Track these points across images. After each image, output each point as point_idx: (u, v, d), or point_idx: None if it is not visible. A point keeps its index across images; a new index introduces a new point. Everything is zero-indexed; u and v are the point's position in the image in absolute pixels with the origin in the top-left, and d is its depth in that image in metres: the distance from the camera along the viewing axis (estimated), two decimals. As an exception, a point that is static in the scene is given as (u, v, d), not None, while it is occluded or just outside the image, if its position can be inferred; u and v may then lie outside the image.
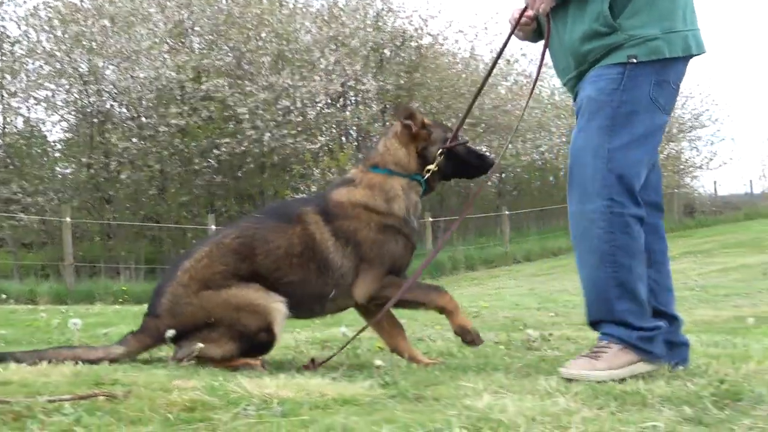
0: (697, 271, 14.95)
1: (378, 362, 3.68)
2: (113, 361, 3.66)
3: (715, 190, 34.88)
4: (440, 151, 3.98)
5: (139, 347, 3.81)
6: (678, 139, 34.01)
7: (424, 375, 3.40)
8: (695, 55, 3.46)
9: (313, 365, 3.70)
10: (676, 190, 31.31)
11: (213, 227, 18.78)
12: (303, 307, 3.89)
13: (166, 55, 21.46)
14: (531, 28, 3.88)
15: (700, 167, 35.41)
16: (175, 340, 3.70)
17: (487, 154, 4.05)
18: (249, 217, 4.08)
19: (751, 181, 40.35)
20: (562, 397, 2.71)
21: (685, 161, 34.86)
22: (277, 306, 3.71)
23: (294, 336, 5.25)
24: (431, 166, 3.97)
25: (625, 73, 3.34)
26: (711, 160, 35.19)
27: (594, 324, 3.51)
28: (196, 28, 24.00)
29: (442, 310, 3.90)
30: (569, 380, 3.20)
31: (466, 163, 4.09)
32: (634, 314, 3.34)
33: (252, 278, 3.74)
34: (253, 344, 3.69)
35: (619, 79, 3.35)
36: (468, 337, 3.85)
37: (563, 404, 2.59)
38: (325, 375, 3.33)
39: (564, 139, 30.36)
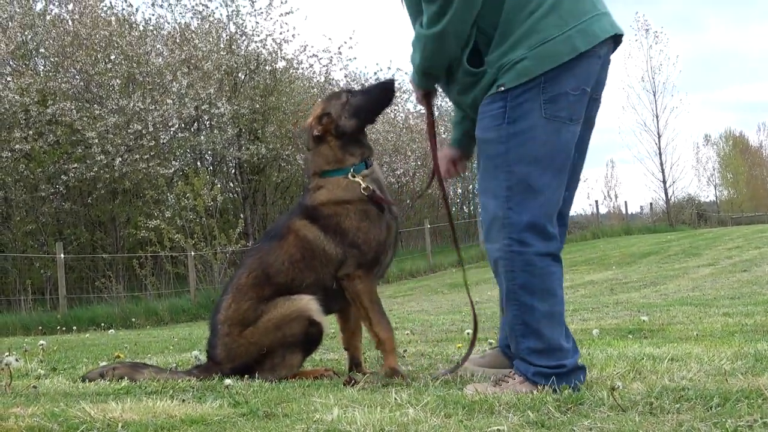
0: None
1: (228, 382, 3.61)
2: None
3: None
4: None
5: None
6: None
7: (275, 393, 3.36)
8: (587, 50, 3.23)
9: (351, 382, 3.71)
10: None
11: (62, 256, 18.07)
12: (329, 304, 4.07)
13: (8, 78, 20.61)
14: None
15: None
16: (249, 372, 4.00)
17: (380, 80, 4.03)
18: (250, 251, 4.17)
19: (597, 201, 42.04)
20: (412, 408, 2.72)
21: (534, 183, 36.02)
22: (305, 300, 3.94)
23: (143, 359, 5.08)
24: (359, 180, 4.01)
25: (506, 105, 3.21)
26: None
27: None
28: (41, 50, 23.19)
29: (379, 344, 3.98)
30: (420, 393, 3.22)
31: (372, 105, 4.07)
32: (536, 352, 3.26)
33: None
34: (307, 341, 3.99)
35: (501, 113, 3.23)
36: (395, 379, 3.79)
37: (412, 415, 2.60)
38: (175, 397, 3.24)
39: (419, 162, 30.94)
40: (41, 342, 5.85)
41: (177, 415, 2.75)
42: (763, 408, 2.54)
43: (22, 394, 3.43)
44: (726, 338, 5.15)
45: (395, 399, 3.00)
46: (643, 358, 4.12)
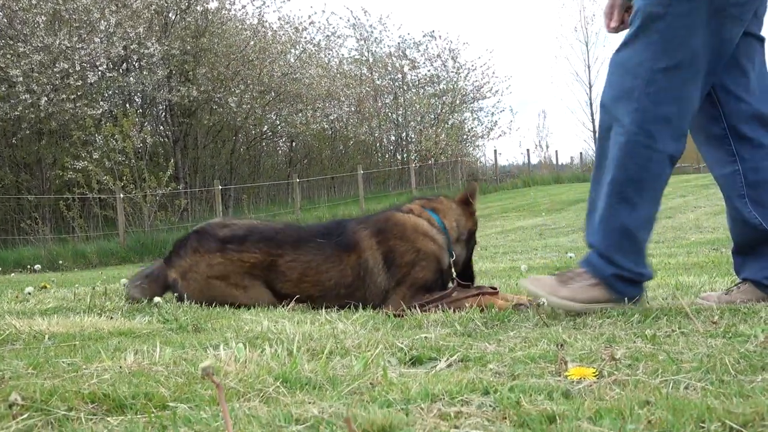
0: (478, 233, 15.61)
1: (157, 299, 3.59)
2: None
3: (496, 158, 36.52)
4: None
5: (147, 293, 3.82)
6: (461, 110, 35.38)
7: (205, 312, 3.36)
8: None
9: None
10: (460, 159, 32.54)
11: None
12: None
13: (-74, 12, 19.89)
14: None
15: (482, 137, 37.04)
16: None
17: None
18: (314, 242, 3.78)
19: (528, 150, 42.53)
20: (341, 323, 2.76)
21: (467, 131, 36.31)
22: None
23: (73, 290, 5.02)
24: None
25: None
26: (491, 129, 36.86)
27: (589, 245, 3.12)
28: (-39, -16, 22.35)
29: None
30: (351, 312, 3.24)
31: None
32: (623, 252, 2.97)
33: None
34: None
35: None
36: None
37: (341, 327, 2.65)
38: (103, 315, 3.23)
39: (353, 109, 30.82)
40: (-36, 274, 5.73)
41: (105, 329, 2.74)
42: (682, 322, 2.63)
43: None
44: (649, 272, 5.29)
45: (325, 317, 3.03)
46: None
